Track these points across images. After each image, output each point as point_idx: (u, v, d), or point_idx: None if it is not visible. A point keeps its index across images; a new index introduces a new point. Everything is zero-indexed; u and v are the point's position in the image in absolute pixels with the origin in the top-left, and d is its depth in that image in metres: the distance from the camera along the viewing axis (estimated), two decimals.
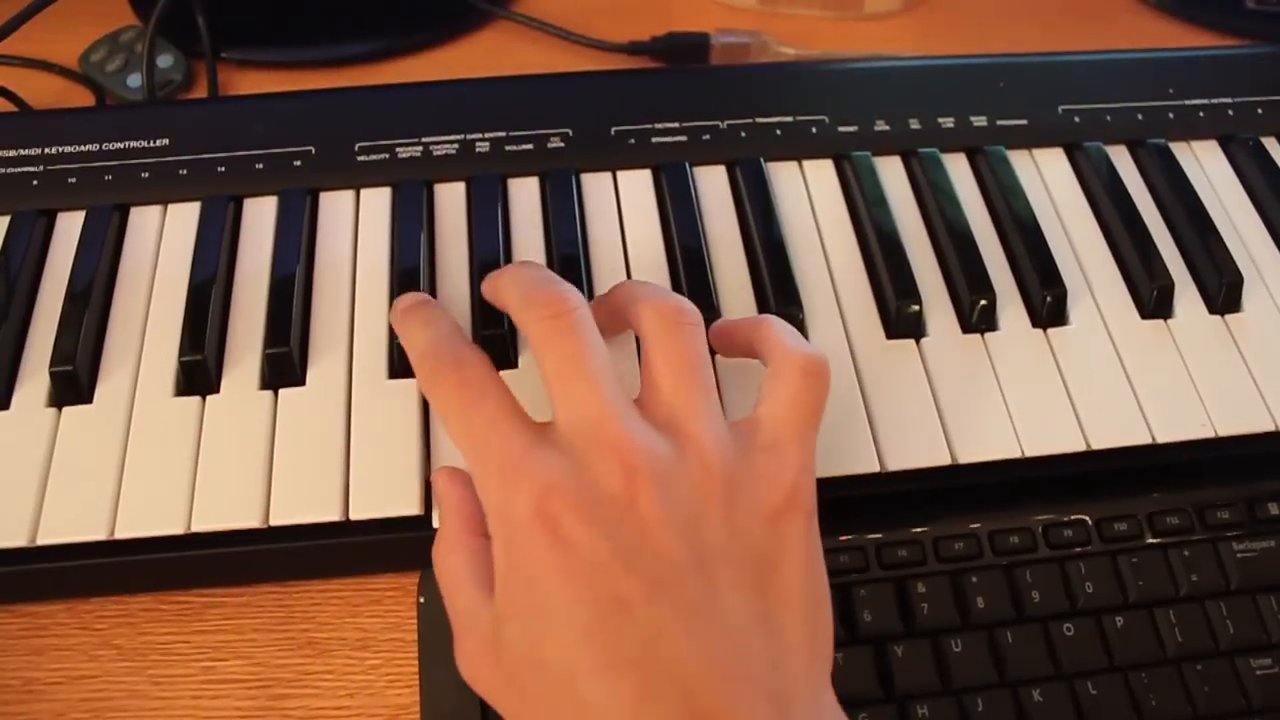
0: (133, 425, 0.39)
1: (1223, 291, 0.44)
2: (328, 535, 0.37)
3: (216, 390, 0.40)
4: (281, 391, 0.40)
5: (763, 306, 0.43)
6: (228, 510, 0.37)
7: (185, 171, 0.45)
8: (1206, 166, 0.49)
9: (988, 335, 0.42)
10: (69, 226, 0.44)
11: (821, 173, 0.47)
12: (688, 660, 0.27)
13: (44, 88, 0.56)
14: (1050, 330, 0.43)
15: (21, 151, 0.46)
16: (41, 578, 0.37)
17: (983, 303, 0.42)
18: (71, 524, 0.36)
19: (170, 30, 0.57)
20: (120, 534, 0.36)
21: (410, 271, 0.42)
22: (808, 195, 0.47)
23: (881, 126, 0.48)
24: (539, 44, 0.60)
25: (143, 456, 0.38)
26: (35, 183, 0.45)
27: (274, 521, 0.37)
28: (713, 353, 0.37)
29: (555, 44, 0.60)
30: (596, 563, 0.28)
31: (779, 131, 0.48)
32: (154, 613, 0.39)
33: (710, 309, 0.42)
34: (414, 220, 0.44)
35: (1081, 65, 0.51)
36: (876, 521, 0.38)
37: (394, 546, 0.38)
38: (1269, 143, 0.50)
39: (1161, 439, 0.40)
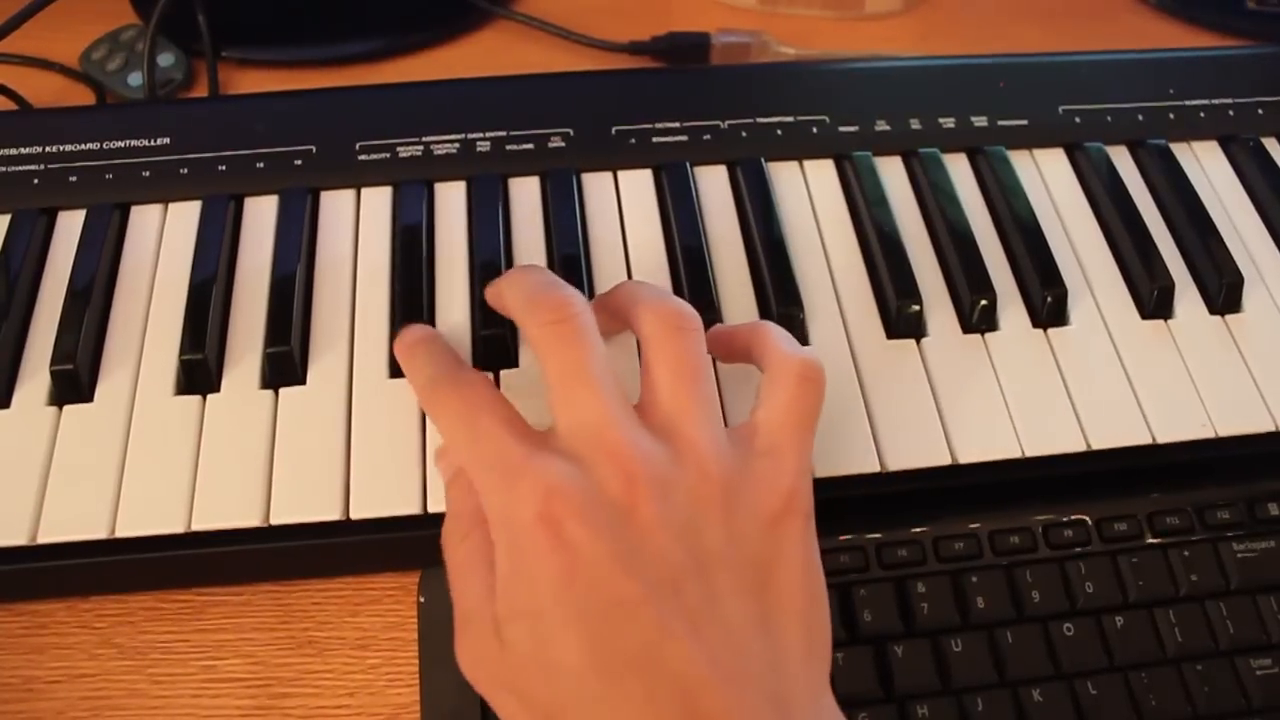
0: (133, 424, 0.39)
1: (1223, 292, 0.44)
2: (328, 534, 0.37)
3: (217, 389, 0.40)
4: (282, 391, 0.40)
5: (763, 306, 0.43)
6: (228, 509, 0.37)
7: (186, 170, 0.45)
8: (1207, 167, 0.49)
9: (988, 335, 0.42)
10: (70, 225, 0.44)
11: (822, 173, 0.47)
12: (689, 663, 0.27)
13: (44, 86, 0.56)
14: (1050, 330, 0.43)
15: (22, 150, 0.46)
16: (42, 576, 0.37)
17: (983, 303, 0.42)
18: (72, 522, 0.36)
19: (171, 29, 0.57)
20: (120, 533, 0.36)
21: (411, 271, 0.42)
22: (808, 195, 0.47)
23: (882, 126, 0.48)
24: (540, 44, 0.60)
25: (143, 455, 0.38)
26: (36, 181, 0.45)
27: (274, 521, 0.37)
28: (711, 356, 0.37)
29: (556, 44, 0.60)
30: (598, 566, 0.28)
31: (780, 131, 0.48)
32: (154, 611, 0.39)
33: (711, 309, 0.42)
34: (415, 219, 0.44)
35: (1082, 65, 0.51)
36: (876, 521, 0.38)
37: (394, 546, 0.38)
38: (1269, 143, 0.50)
39: (1162, 439, 0.40)
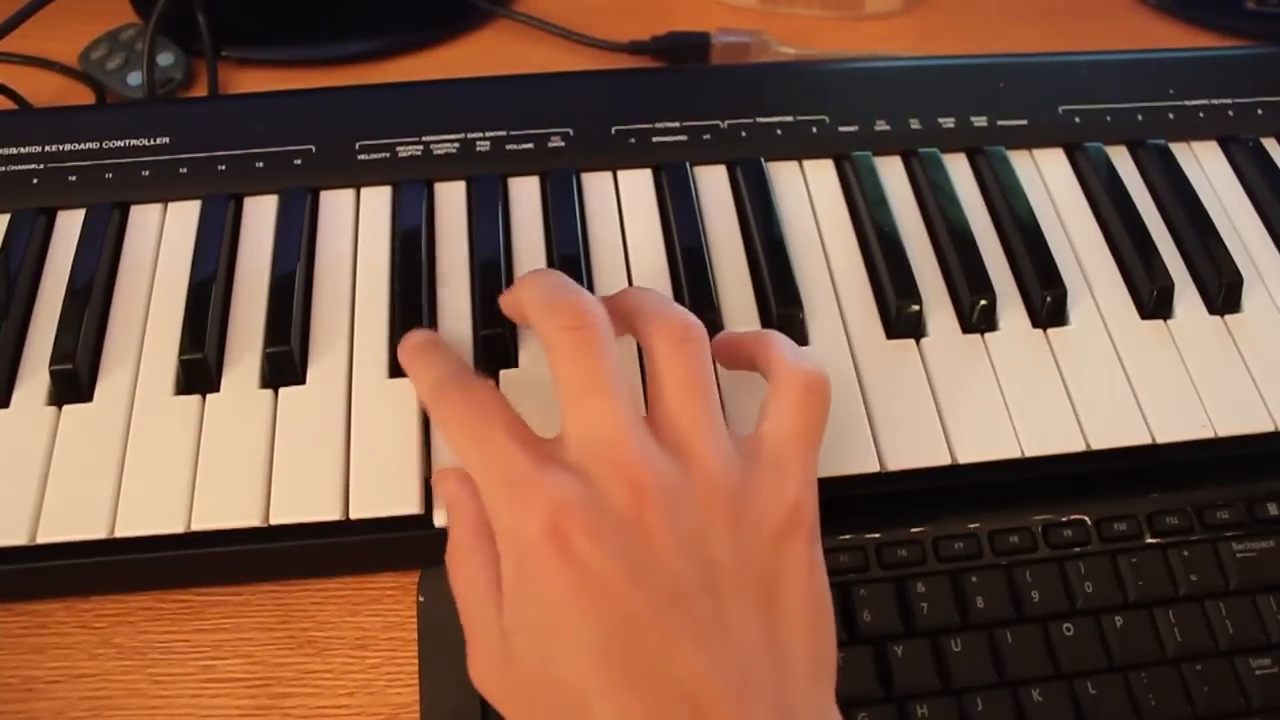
0: (133, 424, 0.39)
1: (1222, 292, 0.44)
2: (327, 534, 0.37)
3: (217, 389, 0.40)
4: (282, 390, 0.40)
5: (763, 306, 0.43)
6: (228, 509, 0.37)
7: (185, 170, 0.45)
8: (1206, 167, 0.49)
9: (988, 335, 0.42)
10: (69, 225, 0.44)
11: (822, 172, 0.47)
12: (695, 677, 0.28)
13: (44, 86, 0.56)
14: (1050, 330, 0.43)
15: (21, 149, 0.46)
16: (41, 576, 0.37)
17: (983, 303, 0.42)
18: (71, 522, 0.36)
19: (171, 28, 0.57)
20: (120, 532, 0.36)
21: (410, 270, 0.42)
22: (808, 195, 0.47)
23: (882, 126, 0.48)
24: (540, 43, 0.60)
25: (143, 455, 0.38)
26: (35, 181, 0.45)
27: (274, 520, 0.37)
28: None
29: (556, 43, 0.60)
30: (605, 580, 0.28)
31: (779, 131, 0.48)
32: (154, 611, 0.39)
33: (710, 309, 0.42)
34: (414, 219, 0.44)
35: (1082, 66, 0.51)
36: (876, 521, 0.38)
37: (394, 546, 0.38)
38: (1269, 143, 0.50)
39: (1161, 439, 0.40)
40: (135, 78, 0.56)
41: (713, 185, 0.47)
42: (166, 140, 0.46)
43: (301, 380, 0.40)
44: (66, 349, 0.40)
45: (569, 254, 0.43)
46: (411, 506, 0.37)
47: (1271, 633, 0.37)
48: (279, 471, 0.37)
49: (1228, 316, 0.44)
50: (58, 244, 0.44)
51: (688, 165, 0.47)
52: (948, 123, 0.49)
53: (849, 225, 0.46)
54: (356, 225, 0.45)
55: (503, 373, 0.40)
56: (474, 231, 0.44)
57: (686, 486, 0.30)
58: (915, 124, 0.48)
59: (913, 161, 0.48)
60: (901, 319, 0.42)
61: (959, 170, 0.48)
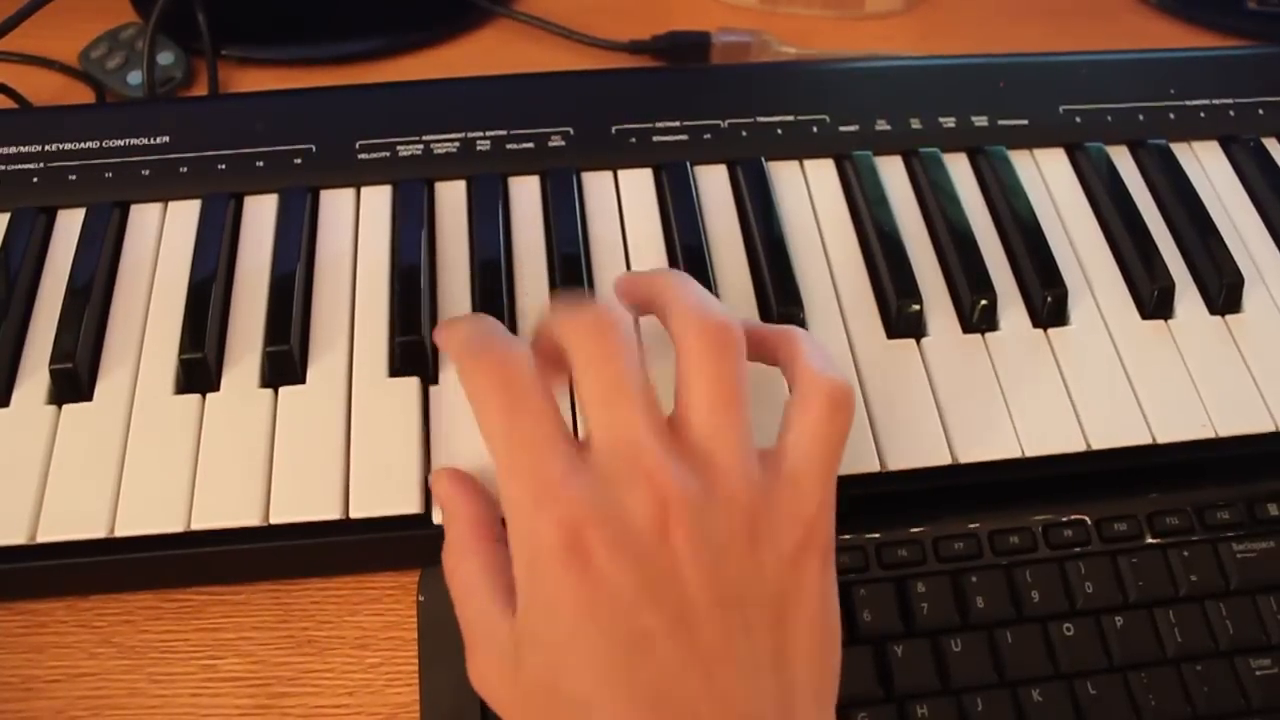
0: (132, 423, 0.39)
1: (1223, 292, 0.44)
2: (327, 534, 0.37)
3: (216, 388, 0.40)
4: (281, 390, 0.40)
5: (763, 306, 0.43)
6: (227, 508, 0.37)
7: (185, 169, 0.45)
8: (1207, 167, 0.49)
9: (988, 335, 0.42)
10: (69, 224, 0.44)
11: (822, 172, 0.47)
12: (702, 701, 0.28)
13: (44, 85, 0.56)
14: (1051, 330, 0.43)
15: (21, 149, 0.46)
16: (41, 575, 0.37)
17: (983, 303, 0.42)
18: (71, 521, 0.36)
19: (171, 27, 0.57)
20: (120, 532, 0.36)
21: (410, 270, 0.42)
22: (808, 194, 0.47)
23: (882, 126, 0.48)
24: (540, 43, 0.60)
25: (142, 454, 0.38)
26: (35, 180, 0.45)
27: (274, 520, 0.37)
28: None
29: (556, 43, 0.60)
30: (622, 597, 0.28)
31: (780, 131, 0.48)
32: (153, 611, 0.39)
33: None
34: (414, 219, 0.44)
35: (1082, 65, 0.51)
36: (876, 521, 0.38)
37: (393, 545, 0.38)
38: (1270, 143, 0.50)
39: (1161, 439, 0.40)
40: (135, 77, 0.56)
41: (713, 185, 0.47)
42: (166, 139, 0.46)
43: (301, 380, 0.40)
44: (66, 348, 0.40)
45: (569, 253, 0.43)
46: (411, 506, 0.37)
47: (1271, 633, 0.37)
48: (279, 471, 0.37)
49: (1228, 316, 0.44)
50: (57, 243, 0.44)
51: (688, 165, 0.46)
52: (948, 122, 0.49)
53: (849, 225, 0.46)
54: (357, 225, 0.45)
55: None
56: (474, 231, 0.44)
57: (710, 501, 0.29)
58: (916, 124, 0.48)
59: (913, 161, 0.48)
60: (902, 319, 0.42)
61: (960, 170, 0.48)
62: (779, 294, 0.42)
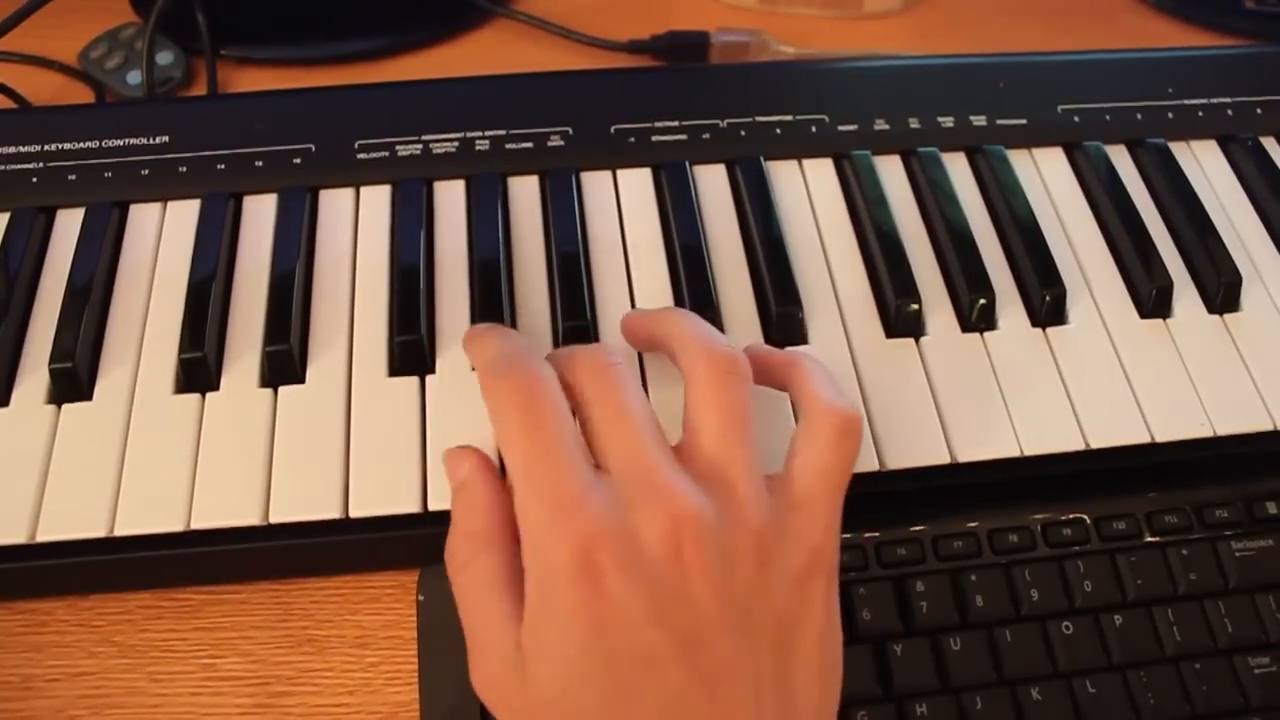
0: (132, 422, 0.39)
1: (1221, 291, 0.44)
2: (327, 533, 0.37)
3: (216, 388, 0.40)
4: (281, 389, 0.40)
5: (763, 306, 0.43)
6: (227, 508, 0.37)
7: (185, 169, 0.45)
8: (1206, 166, 0.49)
9: (987, 334, 0.42)
10: (68, 223, 0.44)
11: (821, 172, 0.47)
12: None
13: (43, 85, 0.56)
14: (1049, 330, 0.43)
15: (21, 148, 0.46)
16: (41, 574, 0.37)
17: (982, 302, 0.42)
18: (71, 521, 0.36)
19: (170, 27, 0.57)
20: (120, 531, 0.36)
21: (410, 269, 0.42)
22: (807, 194, 0.47)
23: (881, 126, 0.48)
24: (539, 42, 0.60)
25: (142, 454, 0.38)
26: (35, 180, 0.45)
27: (274, 519, 0.37)
28: None
29: (555, 42, 0.60)
30: (631, 617, 0.28)
31: (779, 130, 0.48)
32: (153, 610, 0.39)
33: (710, 308, 0.42)
34: (414, 218, 0.44)
35: (1081, 65, 0.51)
36: (876, 520, 0.38)
37: (393, 544, 0.38)
38: (1268, 143, 0.50)
39: (1160, 438, 0.40)
40: (135, 77, 0.56)
41: (712, 184, 0.47)
42: (166, 139, 0.46)
43: (301, 379, 0.40)
44: (66, 347, 0.40)
45: (568, 253, 0.43)
46: (411, 505, 0.37)
47: (1270, 631, 0.37)
48: (278, 470, 0.37)
49: (1226, 315, 0.44)
50: (57, 243, 0.44)
51: (687, 164, 0.47)
52: (947, 122, 0.49)
53: (848, 224, 0.46)
54: (356, 224, 0.45)
55: None
56: (473, 231, 0.44)
57: (721, 524, 0.30)
58: (915, 123, 0.48)
59: (912, 161, 0.48)
60: (901, 318, 0.42)
61: (958, 169, 0.48)
62: (778, 293, 0.42)
